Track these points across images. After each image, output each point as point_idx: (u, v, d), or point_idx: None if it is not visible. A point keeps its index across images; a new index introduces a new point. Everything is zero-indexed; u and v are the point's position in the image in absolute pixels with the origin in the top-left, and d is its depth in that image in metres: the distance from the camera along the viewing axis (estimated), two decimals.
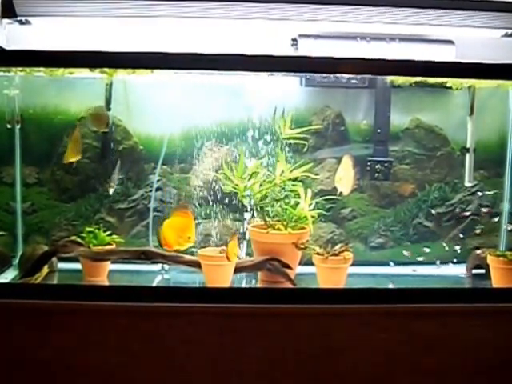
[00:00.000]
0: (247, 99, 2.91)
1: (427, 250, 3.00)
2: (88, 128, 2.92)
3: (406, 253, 2.96)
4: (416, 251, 3.02)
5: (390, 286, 2.70)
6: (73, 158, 2.74)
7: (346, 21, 2.70)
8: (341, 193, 2.77)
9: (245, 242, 2.81)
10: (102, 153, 2.94)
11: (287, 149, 2.83)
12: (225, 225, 2.94)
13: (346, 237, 3.01)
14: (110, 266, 2.67)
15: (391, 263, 2.95)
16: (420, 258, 2.98)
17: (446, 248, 3.02)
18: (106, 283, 2.64)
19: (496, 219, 3.06)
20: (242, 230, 2.85)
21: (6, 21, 2.68)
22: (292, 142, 2.77)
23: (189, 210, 2.41)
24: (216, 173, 2.89)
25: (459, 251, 3.00)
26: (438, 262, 2.97)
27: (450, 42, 2.83)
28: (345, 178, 2.71)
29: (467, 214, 3.05)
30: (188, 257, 2.58)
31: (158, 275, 2.72)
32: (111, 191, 2.72)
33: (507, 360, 2.38)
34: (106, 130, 2.89)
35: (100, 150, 2.94)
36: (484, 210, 3.05)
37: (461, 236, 3.06)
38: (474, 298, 2.43)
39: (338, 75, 2.83)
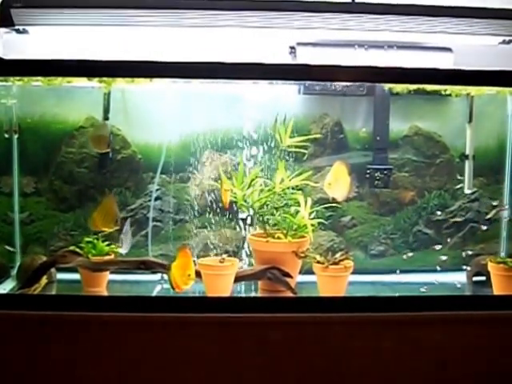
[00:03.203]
0: (245, 108, 2.91)
1: (426, 257, 3.01)
2: (87, 138, 2.92)
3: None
4: (416, 259, 3.02)
5: (391, 294, 2.69)
6: (104, 226, 2.61)
7: (344, 29, 2.70)
8: (333, 198, 2.75)
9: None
10: (101, 162, 2.93)
11: (287, 157, 2.83)
12: (224, 234, 2.94)
13: (346, 245, 3.01)
14: (109, 276, 2.66)
15: (392, 271, 2.94)
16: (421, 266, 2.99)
17: (447, 255, 3.02)
18: (106, 293, 2.62)
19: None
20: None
21: (3, 30, 2.68)
22: (292, 150, 2.77)
23: (187, 249, 2.42)
24: (215, 182, 2.88)
25: (460, 258, 3.00)
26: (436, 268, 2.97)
27: (448, 49, 2.84)
28: (336, 183, 2.69)
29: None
30: None
31: (157, 285, 2.71)
32: (124, 251, 2.58)
33: (508, 367, 2.37)
34: (108, 151, 2.87)
35: (98, 159, 2.93)
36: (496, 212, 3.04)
37: (461, 243, 3.06)
38: (475, 305, 2.42)
39: (336, 83, 2.84)
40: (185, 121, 2.91)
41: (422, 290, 2.71)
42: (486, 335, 2.36)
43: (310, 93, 2.93)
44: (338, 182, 2.67)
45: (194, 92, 2.84)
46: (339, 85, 2.86)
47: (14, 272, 2.79)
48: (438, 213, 3.06)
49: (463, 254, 3.00)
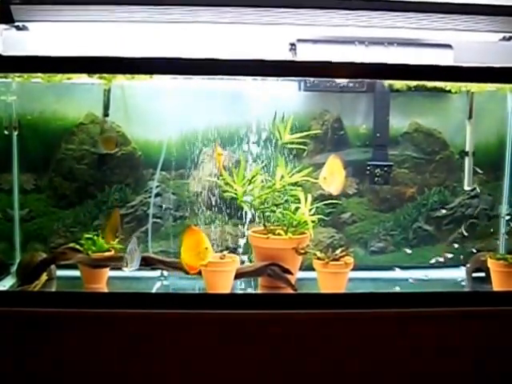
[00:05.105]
0: (246, 104, 2.91)
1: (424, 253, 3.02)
2: (87, 135, 2.93)
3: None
4: (416, 255, 3.03)
5: (390, 290, 2.69)
6: (112, 239, 2.69)
7: (344, 25, 2.70)
8: (330, 193, 2.76)
9: None
10: (101, 159, 2.93)
11: (287, 153, 2.83)
12: (225, 230, 2.94)
13: (346, 241, 3.01)
14: (109, 272, 2.66)
15: (392, 267, 2.95)
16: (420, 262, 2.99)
17: (446, 251, 3.02)
18: (106, 290, 2.62)
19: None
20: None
21: (3, 26, 2.68)
22: (291, 146, 2.77)
23: (193, 226, 2.43)
24: (216, 178, 2.88)
25: (460, 254, 3.00)
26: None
27: (448, 46, 2.84)
28: (331, 177, 2.69)
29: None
30: None
31: (157, 281, 2.71)
32: (129, 270, 2.51)
33: (508, 363, 2.38)
34: (116, 151, 2.90)
35: (98, 156, 2.93)
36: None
37: (461, 239, 3.07)
38: (475, 301, 2.43)
39: (336, 80, 2.84)
40: (184, 117, 2.91)
41: (411, 281, 2.75)
42: (486, 331, 2.36)
43: (310, 89, 2.94)
44: (332, 175, 2.68)
45: (194, 89, 2.84)
46: (339, 81, 2.86)
47: (14, 269, 2.79)
48: (440, 209, 3.07)
49: (461, 250, 3.01)
